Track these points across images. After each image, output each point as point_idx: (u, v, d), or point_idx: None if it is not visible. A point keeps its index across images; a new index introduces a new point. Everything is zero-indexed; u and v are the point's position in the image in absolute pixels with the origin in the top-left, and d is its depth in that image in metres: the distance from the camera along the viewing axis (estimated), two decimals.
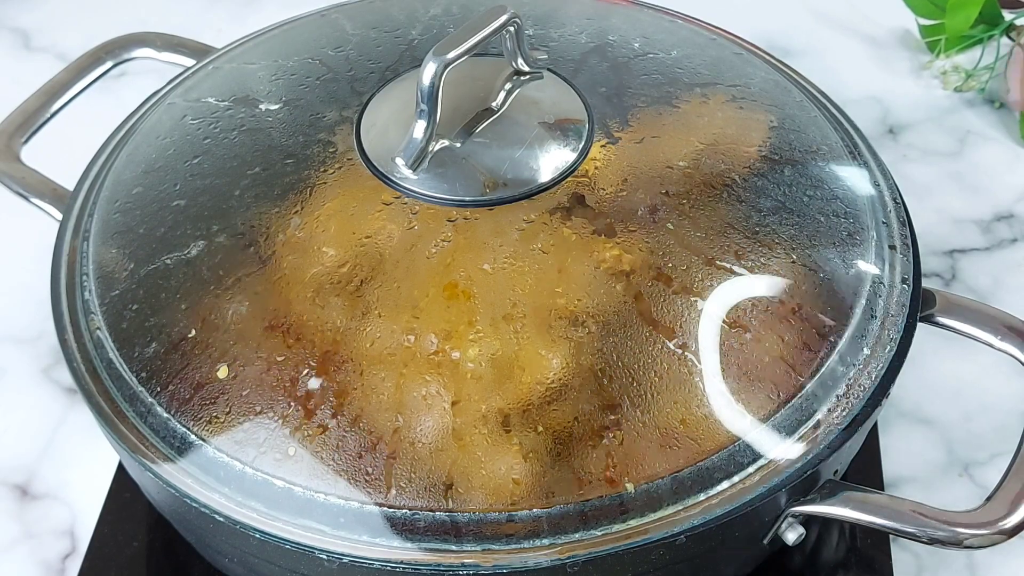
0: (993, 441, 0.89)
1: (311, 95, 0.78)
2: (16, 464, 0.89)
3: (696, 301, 0.90)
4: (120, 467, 0.86)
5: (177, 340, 0.68)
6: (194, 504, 0.65)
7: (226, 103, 0.79)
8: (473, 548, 0.65)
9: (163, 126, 0.80)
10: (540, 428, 0.76)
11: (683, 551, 0.64)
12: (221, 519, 0.65)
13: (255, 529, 0.64)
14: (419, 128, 0.70)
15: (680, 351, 0.86)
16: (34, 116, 0.87)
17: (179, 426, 0.66)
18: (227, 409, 0.66)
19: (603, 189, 0.75)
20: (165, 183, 0.75)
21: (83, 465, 0.88)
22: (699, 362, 0.87)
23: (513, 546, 0.65)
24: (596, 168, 0.75)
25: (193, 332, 0.68)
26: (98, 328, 0.71)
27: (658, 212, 0.74)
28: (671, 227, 0.74)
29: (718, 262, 0.73)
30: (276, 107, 0.78)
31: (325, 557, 0.63)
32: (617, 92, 0.78)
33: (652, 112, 0.78)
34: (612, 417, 0.71)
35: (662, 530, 0.66)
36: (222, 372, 0.67)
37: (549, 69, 0.79)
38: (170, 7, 1.23)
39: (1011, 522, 0.66)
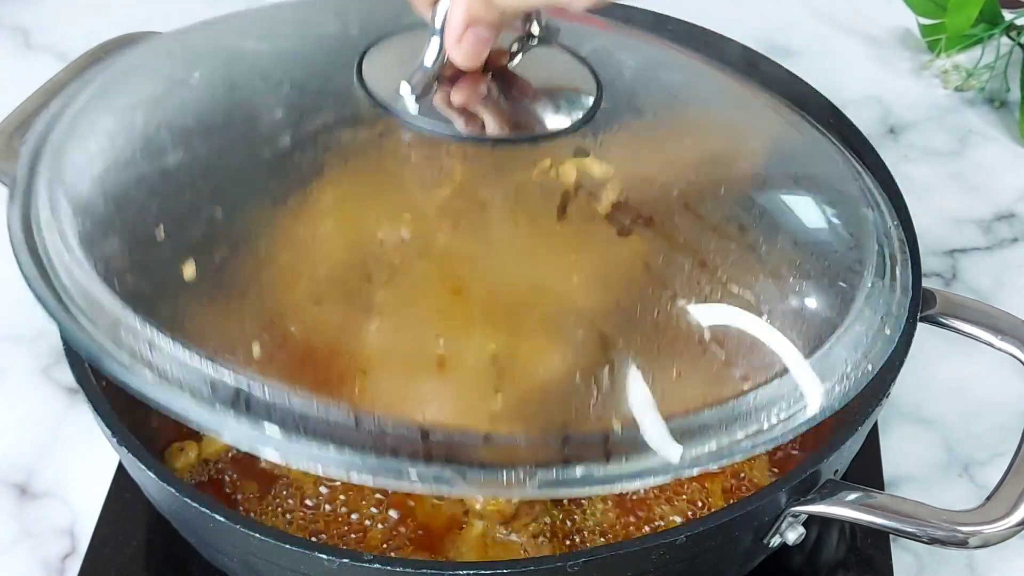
0: (993, 441, 0.89)
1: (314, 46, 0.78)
2: (16, 464, 0.89)
3: (696, 302, 0.90)
4: (120, 467, 0.86)
5: None
6: (194, 504, 0.65)
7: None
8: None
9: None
10: (539, 420, 0.75)
11: (683, 551, 0.64)
12: (221, 519, 0.65)
13: (255, 529, 0.64)
14: (431, 52, 0.68)
15: (680, 352, 0.86)
16: (34, 116, 0.87)
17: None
18: None
19: (606, 167, 0.73)
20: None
21: (83, 465, 0.88)
22: (700, 363, 0.87)
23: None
24: (601, 143, 0.73)
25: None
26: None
27: (661, 208, 0.74)
28: (676, 224, 0.73)
29: (718, 262, 0.73)
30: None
31: (325, 557, 0.63)
32: (630, 89, 0.78)
33: (660, 111, 0.78)
34: (613, 414, 0.71)
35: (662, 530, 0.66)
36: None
37: (561, 45, 0.77)
38: (170, 7, 1.23)
39: (1011, 522, 0.66)
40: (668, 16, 0.93)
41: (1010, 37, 1.16)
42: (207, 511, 0.65)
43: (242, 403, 0.62)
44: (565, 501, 0.77)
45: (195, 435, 0.81)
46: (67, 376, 0.90)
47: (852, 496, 0.67)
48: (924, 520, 0.66)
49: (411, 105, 0.70)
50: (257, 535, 0.64)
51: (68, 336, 0.67)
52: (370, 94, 0.71)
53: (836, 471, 0.71)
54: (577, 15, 0.66)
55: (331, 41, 0.78)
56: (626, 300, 0.70)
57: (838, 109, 0.86)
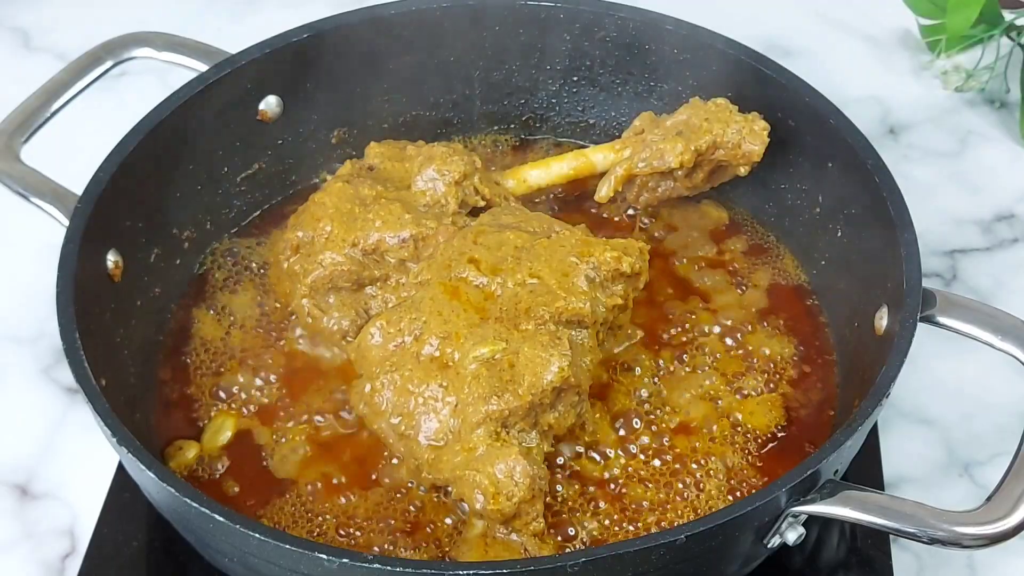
0: (993, 441, 0.89)
1: None
2: (16, 464, 0.88)
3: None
4: (120, 467, 0.86)
5: None
6: (194, 504, 0.65)
7: None
8: None
9: None
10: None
11: (683, 551, 0.64)
12: (221, 519, 0.65)
13: (255, 529, 0.64)
14: None
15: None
16: (34, 116, 0.87)
17: None
18: None
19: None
20: None
21: (83, 465, 0.88)
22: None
23: None
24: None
25: None
26: None
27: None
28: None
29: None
30: None
31: (325, 557, 0.63)
32: None
33: None
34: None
35: (662, 530, 0.66)
36: None
37: None
38: (170, 7, 1.23)
39: (1011, 522, 0.66)
40: (668, 16, 0.93)
41: (1010, 37, 1.15)
42: (207, 511, 0.65)
43: None
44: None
45: (194, 434, 0.82)
46: (67, 376, 0.90)
47: (852, 496, 0.67)
48: (924, 520, 0.66)
49: None
50: (257, 535, 0.64)
51: None
52: None
53: (836, 471, 0.71)
54: None
55: None
56: None
57: (838, 109, 0.86)
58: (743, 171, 0.89)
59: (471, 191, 0.87)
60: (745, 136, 0.87)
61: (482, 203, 0.87)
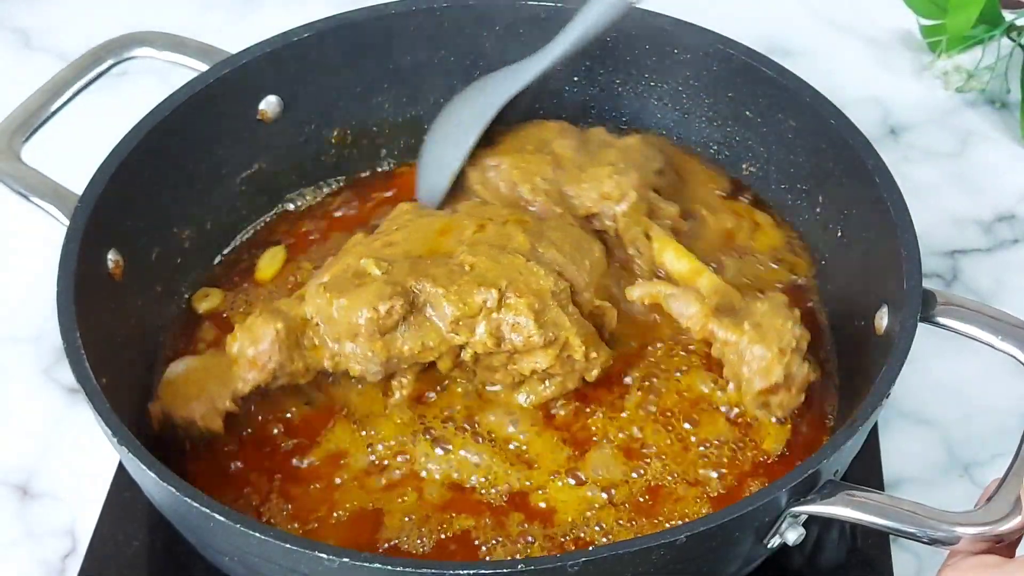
0: (993, 441, 0.89)
1: None
2: (16, 464, 0.89)
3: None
4: (120, 467, 0.86)
5: None
6: (194, 504, 0.65)
7: None
8: None
9: None
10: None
11: (683, 551, 0.64)
12: (221, 519, 0.65)
13: (255, 529, 0.64)
14: None
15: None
16: (35, 115, 0.87)
17: None
18: None
19: None
20: None
21: (83, 465, 0.88)
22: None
23: None
24: None
25: None
26: None
27: None
28: None
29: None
30: None
31: (325, 556, 0.63)
32: None
33: None
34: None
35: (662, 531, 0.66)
36: None
37: None
38: (170, 7, 1.23)
39: (1011, 522, 0.66)
40: (666, 16, 0.93)
41: (1010, 38, 1.15)
42: (207, 511, 0.65)
43: None
44: None
45: (215, 283, 0.89)
46: (67, 376, 0.90)
47: (852, 496, 0.67)
48: (924, 521, 0.66)
49: None
50: (257, 535, 0.64)
51: None
52: None
53: (836, 471, 0.71)
54: None
55: None
56: None
57: (839, 109, 0.86)
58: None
59: (610, 213, 0.85)
60: (755, 368, 0.78)
61: (609, 226, 0.86)
